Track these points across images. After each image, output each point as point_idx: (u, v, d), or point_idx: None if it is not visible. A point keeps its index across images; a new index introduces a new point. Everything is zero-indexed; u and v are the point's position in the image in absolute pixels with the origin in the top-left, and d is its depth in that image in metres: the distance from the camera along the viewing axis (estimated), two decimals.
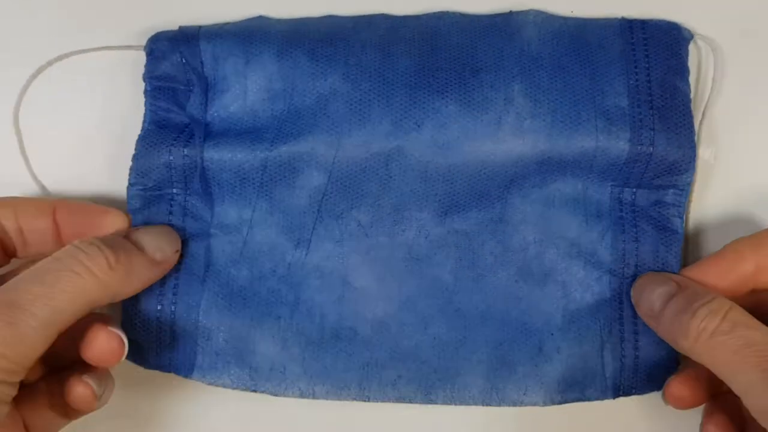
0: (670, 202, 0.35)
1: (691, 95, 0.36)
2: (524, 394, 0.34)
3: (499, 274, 0.35)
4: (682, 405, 0.33)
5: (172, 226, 0.34)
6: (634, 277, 0.35)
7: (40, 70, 0.36)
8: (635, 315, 0.35)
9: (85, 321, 0.31)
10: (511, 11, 0.36)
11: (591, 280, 0.35)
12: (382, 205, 0.35)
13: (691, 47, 0.36)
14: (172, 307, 0.34)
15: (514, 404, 0.35)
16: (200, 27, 0.35)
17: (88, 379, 0.31)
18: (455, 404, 0.35)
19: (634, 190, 0.35)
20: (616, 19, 0.36)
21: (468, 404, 0.35)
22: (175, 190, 0.34)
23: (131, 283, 0.31)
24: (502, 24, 0.36)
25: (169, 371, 0.34)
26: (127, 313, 0.34)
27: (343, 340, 0.35)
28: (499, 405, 0.35)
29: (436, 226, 0.35)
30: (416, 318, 0.35)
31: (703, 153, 0.37)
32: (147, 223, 0.34)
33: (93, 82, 0.36)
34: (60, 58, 0.36)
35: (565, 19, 0.36)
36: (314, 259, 0.35)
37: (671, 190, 0.35)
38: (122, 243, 0.31)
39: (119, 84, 0.36)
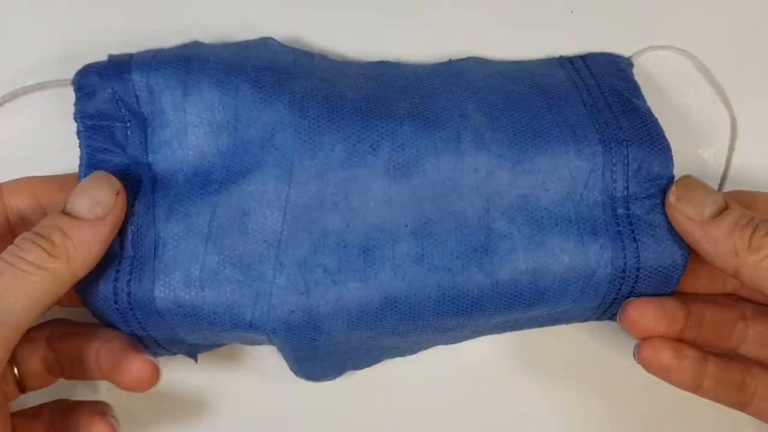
0: (664, 210, 0.32)
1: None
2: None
3: (486, 307, 0.32)
4: (636, 330, 0.32)
5: (117, 296, 0.30)
6: (629, 295, 0.33)
7: None
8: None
9: (117, 347, 0.31)
10: (450, 59, 0.36)
11: (586, 301, 0.33)
12: (349, 246, 0.31)
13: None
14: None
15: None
16: (132, 55, 0.32)
17: (111, 419, 0.32)
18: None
19: (626, 201, 0.32)
20: (553, 57, 0.36)
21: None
22: (120, 257, 0.31)
23: (83, 258, 0.29)
24: (444, 68, 0.35)
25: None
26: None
27: (317, 360, 0.33)
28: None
29: (413, 264, 0.31)
30: (395, 342, 0.34)
31: (703, 152, 0.36)
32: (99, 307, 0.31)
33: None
34: None
35: (504, 61, 0.36)
36: (278, 315, 0.31)
37: (662, 196, 0.32)
38: (56, 222, 0.29)
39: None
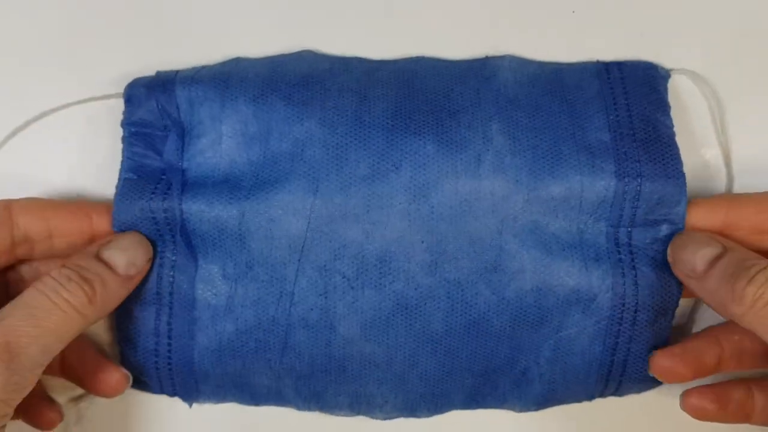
0: (665, 239, 0.34)
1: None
2: (502, 403, 0.36)
3: (492, 322, 0.34)
4: (668, 377, 0.34)
5: (161, 279, 0.34)
6: (633, 322, 0.34)
7: (17, 130, 0.35)
8: (626, 361, 0.35)
9: (91, 356, 0.34)
10: (487, 56, 0.36)
11: (588, 324, 0.34)
12: (366, 256, 0.33)
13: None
14: (168, 353, 0.34)
15: (491, 408, 0.36)
16: (177, 72, 0.35)
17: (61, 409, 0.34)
18: (436, 414, 0.36)
19: (629, 229, 0.34)
20: (591, 62, 0.36)
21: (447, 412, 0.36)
22: (163, 243, 0.34)
23: (107, 308, 0.32)
24: (479, 68, 0.35)
25: (174, 396, 0.36)
26: (125, 351, 0.35)
27: (332, 374, 0.35)
28: (475, 409, 0.36)
29: (425, 276, 0.33)
30: (405, 357, 0.34)
31: (705, 153, 0.36)
32: (142, 286, 0.34)
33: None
34: (39, 117, 0.35)
35: (541, 63, 0.36)
36: (298, 311, 0.34)
37: (665, 225, 0.34)
38: (96, 269, 0.31)
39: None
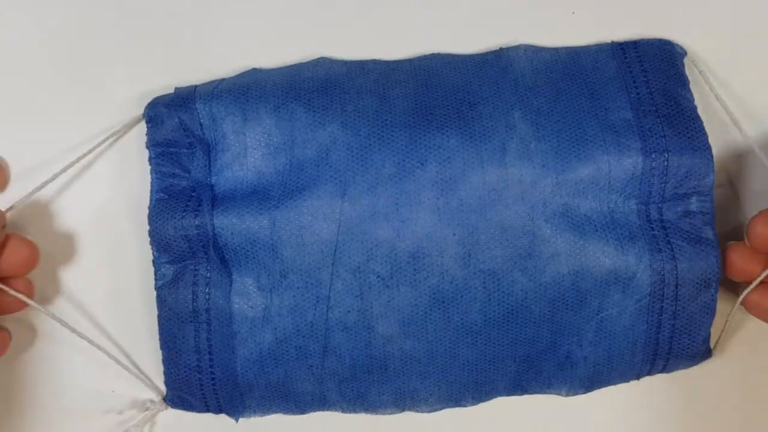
0: (696, 210, 0.34)
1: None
2: (548, 387, 0.36)
3: (531, 308, 0.34)
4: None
5: (197, 297, 0.34)
6: (675, 298, 0.34)
7: (43, 184, 0.35)
8: (671, 337, 0.34)
9: None
10: (501, 48, 0.36)
11: (629, 303, 0.34)
12: (399, 254, 0.33)
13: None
14: (210, 368, 0.34)
15: (537, 393, 0.36)
16: (195, 87, 0.35)
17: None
18: (481, 402, 0.36)
19: (659, 205, 0.34)
20: (606, 43, 0.36)
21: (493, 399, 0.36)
22: (196, 260, 0.34)
23: None
24: (494, 60, 0.36)
25: (219, 413, 0.36)
26: (169, 371, 0.35)
27: (374, 373, 0.35)
28: (521, 395, 0.36)
29: (460, 269, 0.33)
30: (445, 349, 0.34)
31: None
32: (178, 305, 0.34)
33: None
34: (65, 169, 0.35)
35: (556, 49, 0.36)
36: (336, 315, 0.34)
37: (694, 198, 0.34)
38: None
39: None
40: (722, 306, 0.35)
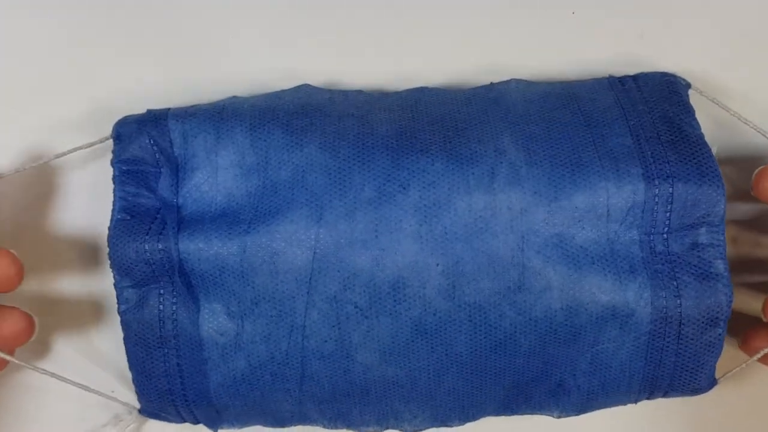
0: (707, 243, 0.31)
1: None
2: (538, 410, 0.34)
3: (521, 342, 0.31)
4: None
5: (163, 323, 0.32)
6: (678, 336, 0.31)
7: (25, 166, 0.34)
8: (672, 374, 0.32)
9: None
10: (492, 83, 0.35)
11: (627, 340, 0.31)
12: (378, 284, 0.31)
13: None
14: (183, 392, 0.33)
15: (527, 414, 0.35)
16: (169, 109, 0.33)
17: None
18: (469, 422, 0.35)
19: (665, 235, 0.31)
20: (603, 78, 0.34)
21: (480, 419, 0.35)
22: (161, 284, 0.32)
23: None
24: (485, 92, 0.34)
25: (197, 424, 0.35)
26: (141, 391, 0.33)
27: (355, 397, 0.33)
28: (510, 416, 0.35)
29: (444, 301, 0.31)
30: (429, 377, 0.32)
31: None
32: (144, 330, 0.32)
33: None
34: (28, 166, 0.34)
35: (550, 83, 0.34)
36: (312, 344, 0.32)
37: (704, 228, 0.31)
38: None
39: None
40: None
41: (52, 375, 0.33)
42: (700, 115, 0.33)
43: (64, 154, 0.34)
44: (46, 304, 0.36)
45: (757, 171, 0.32)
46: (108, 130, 0.33)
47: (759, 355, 0.33)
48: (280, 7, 0.35)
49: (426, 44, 0.35)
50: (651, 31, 0.36)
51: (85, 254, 0.36)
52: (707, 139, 0.32)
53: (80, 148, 0.34)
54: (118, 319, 0.32)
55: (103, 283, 0.36)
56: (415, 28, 0.36)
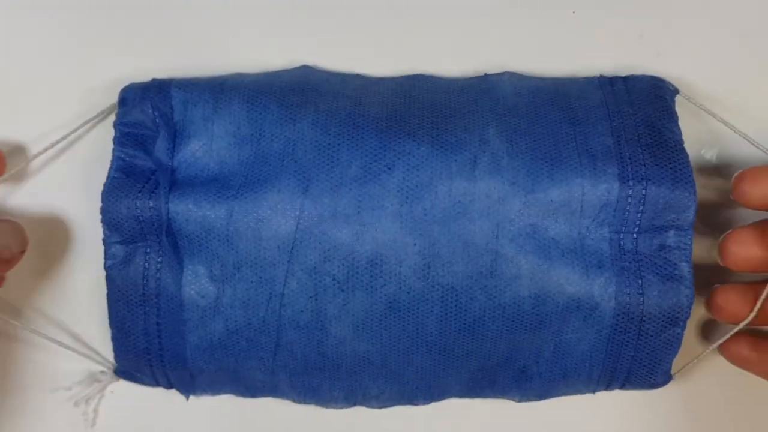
0: (674, 245, 0.32)
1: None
2: (501, 395, 0.35)
3: (489, 326, 0.33)
4: (738, 265, 0.33)
5: (147, 281, 0.33)
6: (639, 332, 0.33)
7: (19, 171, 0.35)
8: (630, 368, 0.33)
9: None
10: (486, 74, 0.36)
11: (589, 332, 0.33)
12: (357, 258, 0.32)
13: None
14: (160, 351, 0.34)
15: (491, 398, 0.36)
16: (173, 79, 0.35)
17: None
18: (434, 402, 0.36)
19: (635, 235, 0.32)
20: (594, 77, 0.35)
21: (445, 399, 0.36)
22: (148, 243, 0.33)
23: None
24: (477, 83, 0.35)
25: (170, 389, 0.35)
26: (119, 349, 0.34)
27: (326, 371, 0.34)
28: (474, 398, 0.36)
29: (418, 280, 0.32)
30: (399, 354, 0.34)
31: (705, 153, 0.36)
32: (128, 287, 0.33)
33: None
34: (37, 154, 0.35)
35: (542, 78, 0.35)
36: (288, 313, 0.33)
37: (672, 231, 0.32)
38: None
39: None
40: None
41: (32, 331, 0.35)
42: (696, 121, 0.34)
43: (74, 131, 0.35)
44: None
45: (735, 175, 0.33)
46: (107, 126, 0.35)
47: (711, 348, 0.34)
48: (280, 6, 0.36)
49: (426, 44, 0.36)
50: (651, 31, 0.36)
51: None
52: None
53: (90, 120, 0.35)
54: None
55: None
56: (415, 28, 0.36)
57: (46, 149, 0.35)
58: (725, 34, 0.36)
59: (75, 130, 0.35)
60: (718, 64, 0.36)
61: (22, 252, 0.34)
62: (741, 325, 0.33)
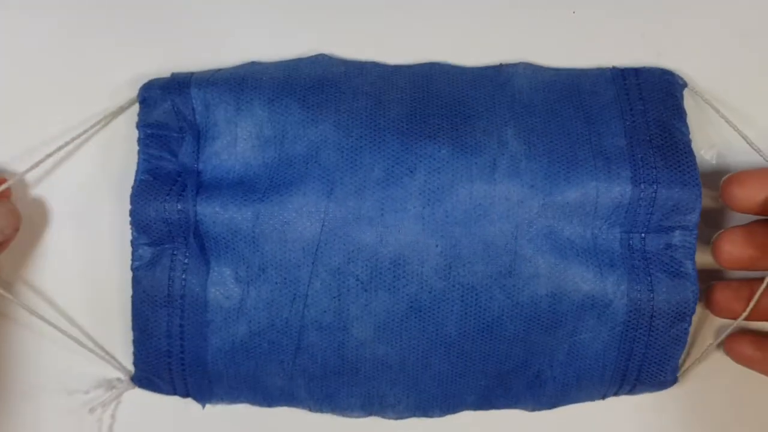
0: (679, 244, 0.34)
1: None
2: (515, 404, 0.36)
3: (506, 326, 0.34)
4: (730, 263, 0.35)
5: (173, 282, 0.34)
6: (650, 328, 0.34)
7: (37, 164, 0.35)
8: (641, 366, 0.35)
9: None
10: (501, 63, 0.36)
11: (603, 330, 0.34)
12: (380, 259, 0.33)
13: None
14: (181, 354, 0.34)
15: (504, 409, 0.36)
16: (192, 74, 0.35)
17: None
18: (448, 414, 0.36)
19: (643, 234, 0.34)
20: (607, 68, 0.36)
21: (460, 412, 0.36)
22: (175, 245, 0.34)
23: None
24: (493, 75, 0.36)
25: (187, 397, 0.36)
26: (140, 352, 0.35)
27: (345, 375, 0.35)
28: (487, 410, 0.36)
29: (439, 280, 0.33)
30: (418, 358, 0.34)
31: (705, 153, 0.37)
32: (153, 288, 0.34)
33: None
34: (61, 147, 0.35)
35: (557, 70, 0.36)
36: (312, 313, 0.34)
37: (678, 231, 0.34)
38: None
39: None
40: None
41: (55, 327, 0.35)
42: (701, 116, 0.35)
43: (96, 124, 0.35)
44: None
45: (724, 179, 0.34)
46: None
47: (715, 343, 0.36)
48: (281, 4, 0.36)
49: (426, 44, 0.36)
50: (651, 31, 0.36)
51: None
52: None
53: (107, 117, 0.35)
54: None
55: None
56: (415, 28, 0.36)
57: (60, 148, 0.35)
58: (725, 34, 0.36)
59: (94, 125, 0.35)
60: (719, 64, 0.36)
61: (15, 230, 0.33)
62: (738, 321, 0.35)
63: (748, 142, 0.35)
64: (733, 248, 0.34)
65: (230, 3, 0.36)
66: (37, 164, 0.34)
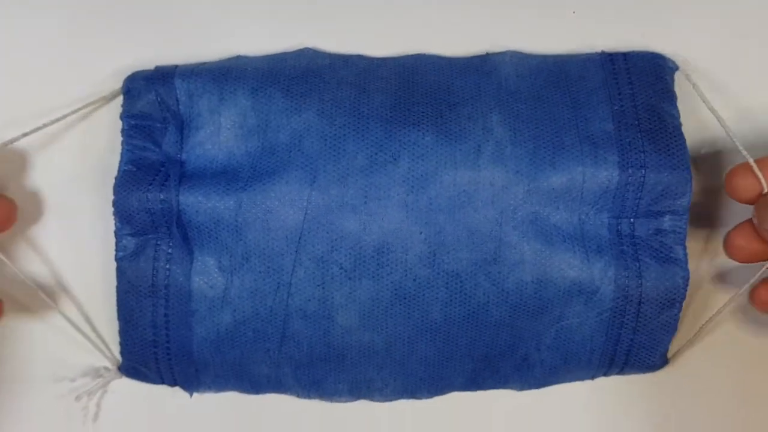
0: (669, 229, 0.33)
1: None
2: (503, 385, 0.36)
3: (492, 312, 0.34)
4: (744, 257, 0.34)
5: (157, 272, 0.34)
6: (637, 314, 0.34)
7: (16, 138, 0.34)
8: (629, 350, 0.34)
9: None
10: (487, 53, 0.36)
11: (590, 315, 0.34)
12: (364, 247, 0.33)
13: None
14: (166, 344, 0.34)
15: (492, 389, 0.36)
16: (176, 66, 0.35)
17: None
18: (436, 396, 0.36)
19: (632, 220, 0.33)
20: (596, 53, 0.36)
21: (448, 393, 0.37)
22: (158, 235, 0.34)
23: None
24: (479, 63, 0.35)
25: (174, 386, 0.36)
26: (125, 342, 0.35)
27: (331, 362, 0.35)
28: (475, 391, 0.36)
29: (424, 268, 0.33)
30: (403, 343, 0.34)
31: (704, 151, 0.36)
32: (138, 278, 0.34)
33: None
34: (39, 128, 0.34)
35: (544, 56, 0.36)
36: (296, 302, 0.34)
37: (668, 216, 0.33)
38: None
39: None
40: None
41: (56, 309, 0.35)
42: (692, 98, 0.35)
43: (77, 110, 0.35)
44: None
45: (728, 170, 0.33)
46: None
47: (741, 292, 0.34)
48: (279, 1, 0.36)
49: (425, 42, 0.36)
50: (651, 31, 0.36)
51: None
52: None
53: (91, 104, 0.35)
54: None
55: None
56: (415, 26, 0.36)
57: (37, 129, 0.34)
58: (726, 34, 0.36)
59: (76, 110, 0.35)
60: (719, 64, 0.36)
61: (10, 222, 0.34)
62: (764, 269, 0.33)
63: (728, 134, 0.34)
64: (747, 242, 0.33)
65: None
66: (9, 142, 0.34)
